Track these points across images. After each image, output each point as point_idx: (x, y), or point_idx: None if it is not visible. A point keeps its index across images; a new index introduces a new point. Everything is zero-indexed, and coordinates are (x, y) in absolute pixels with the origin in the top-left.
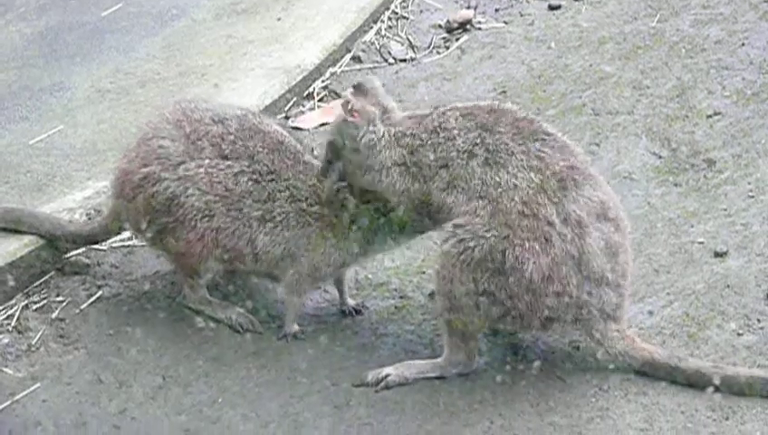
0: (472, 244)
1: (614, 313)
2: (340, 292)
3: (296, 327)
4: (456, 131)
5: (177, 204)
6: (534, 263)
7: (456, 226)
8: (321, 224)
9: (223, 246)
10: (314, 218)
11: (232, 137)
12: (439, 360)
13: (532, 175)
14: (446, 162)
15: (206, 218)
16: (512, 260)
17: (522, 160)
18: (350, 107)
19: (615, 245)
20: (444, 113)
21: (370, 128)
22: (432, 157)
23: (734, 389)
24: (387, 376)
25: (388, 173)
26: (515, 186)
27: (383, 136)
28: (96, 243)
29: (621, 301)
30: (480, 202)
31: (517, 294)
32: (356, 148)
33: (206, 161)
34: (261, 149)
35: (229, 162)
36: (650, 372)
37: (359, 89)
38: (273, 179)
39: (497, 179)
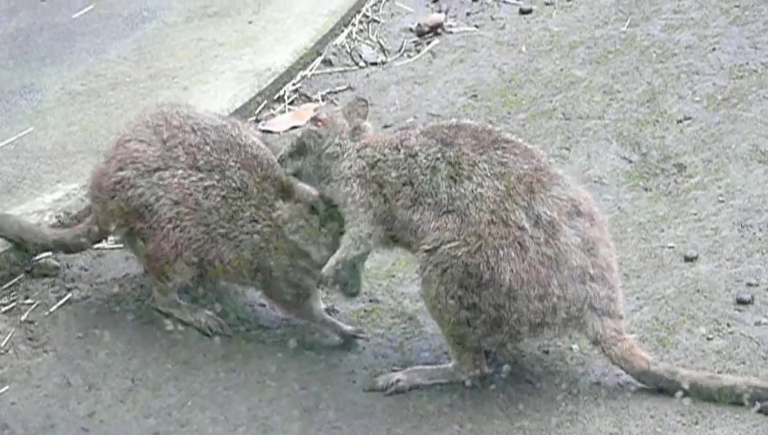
0: (447, 265)
1: (607, 307)
2: None
3: (348, 328)
4: (417, 148)
5: (150, 211)
6: (512, 270)
7: (427, 252)
8: (276, 245)
9: (196, 255)
10: (267, 241)
11: (208, 148)
12: (449, 366)
13: (497, 183)
14: (410, 179)
15: (178, 229)
16: (488, 271)
17: (485, 169)
18: (315, 115)
19: (592, 239)
20: (405, 131)
21: (336, 140)
22: (394, 174)
23: (732, 399)
24: (397, 381)
25: (348, 183)
26: (481, 195)
27: (348, 150)
28: (82, 250)
29: (612, 294)
30: (449, 217)
31: (501, 304)
32: (319, 155)
33: (180, 171)
34: (233, 164)
35: (201, 174)
36: (644, 382)
37: (352, 102)
38: (239, 197)
39: (462, 191)
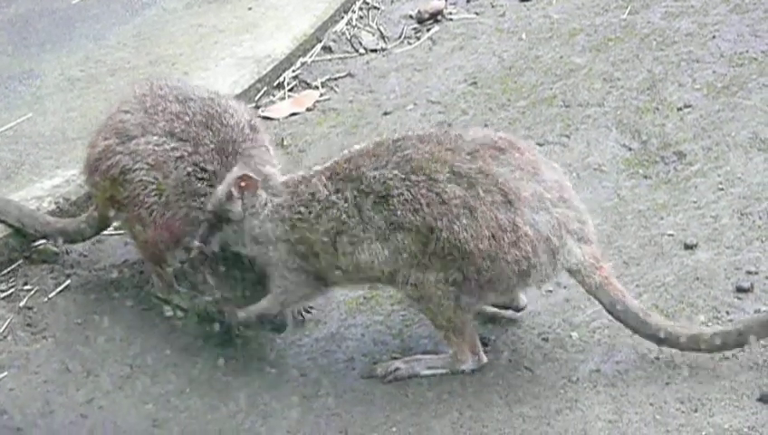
0: (422, 265)
1: (581, 232)
2: None
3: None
4: (332, 198)
5: (128, 177)
6: (472, 234)
7: (392, 273)
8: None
9: (166, 224)
10: None
11: (187, 118)
12: (448, 355)
13: (414, 177)
14: (339, 229)
15: (154, 193)
16: (455, 250)
17: (397, 176)
18: (241, 180)
19: (528, 164)
20: (310, 181)
21: (253, 199)
22: (322, 229)
23: (695, 348)
24: (396, 369)
25: (276, 247)
26: (409, 199)
27: (266, 205)
28: (85, 239)
29: (580, 215)
30: (395, 236)
31: (483, 268)
32: (239, 220)
33: (155, 138)
34: (208, 142)
35: (175, 144)
36: (616, 315)
37: (243, 156)
38: (203, 178)
39: (393, 208)
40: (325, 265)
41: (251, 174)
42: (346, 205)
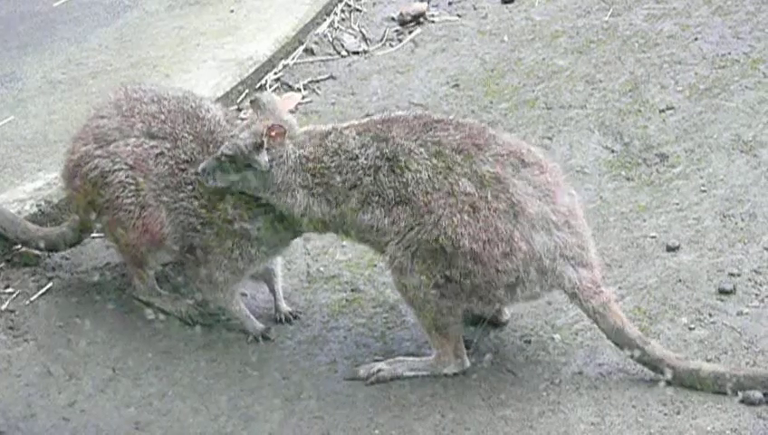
0: (411, 250)
1: (580, 257)
2: (274, 297)
3: (259, 325)
4: (356, 151)
5: (107, 180)
6: (469, 234)
7: (390, 243)
8: (210, 230)
9: (145, 226)
10: (202, 223)
11: (163, 116)
12: (431, 358)
13: (435, 161)
14: (354, 183)
15: (133, 194)
16: (448, 242)
17: (421, 153)
18: (271, 129)
19: (545, 185)
20: (341, 133)
21: (281, 149)
22: (339, 179)
23: (690, 382)
24: (379, 371)
25: (293, 195)
26: (423, 179)
27: (291, 155)
28: (69, 246)
29: (582, 242)
30: (399, 208)
31: (470, 271)
32: (263, 169)
33: (133, 139)
34: (186, 135)
35: (154, 142)
36: (614, 340)
37: (256, 105)
38: (186, 169)
39: (405, 181)
40: (338, 216)
41: (280, 123)
42: (366, 162)
